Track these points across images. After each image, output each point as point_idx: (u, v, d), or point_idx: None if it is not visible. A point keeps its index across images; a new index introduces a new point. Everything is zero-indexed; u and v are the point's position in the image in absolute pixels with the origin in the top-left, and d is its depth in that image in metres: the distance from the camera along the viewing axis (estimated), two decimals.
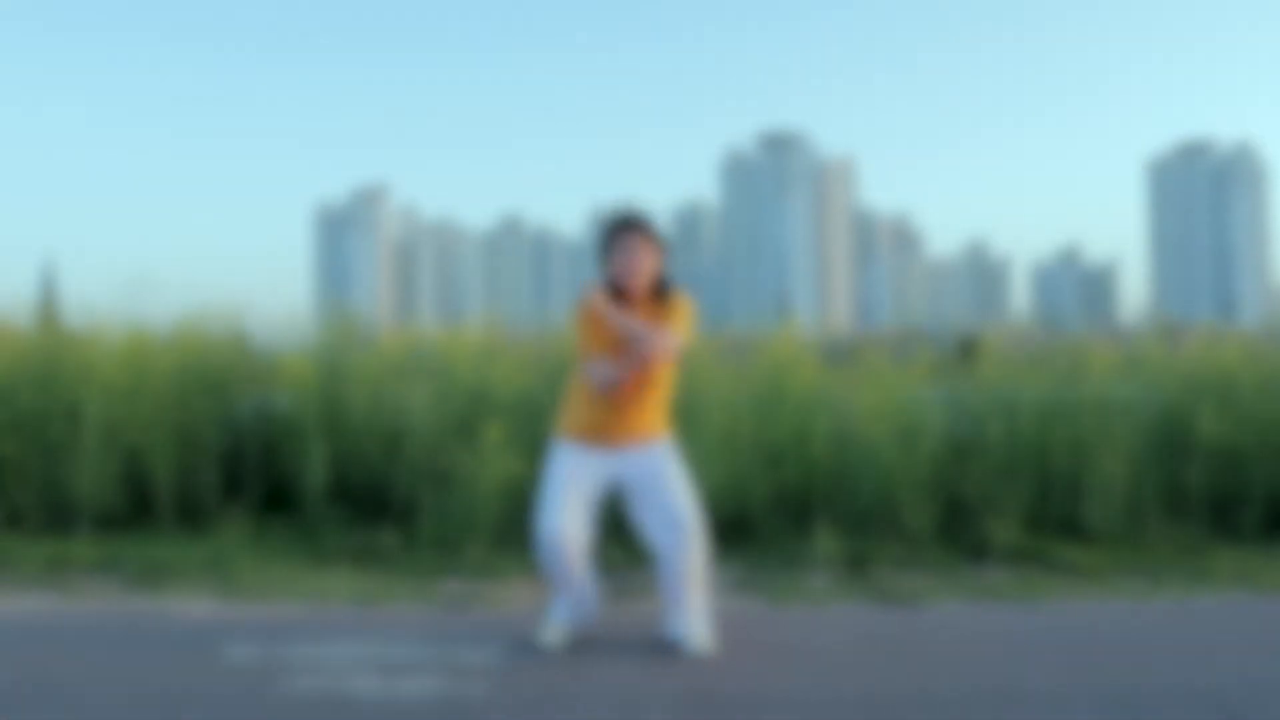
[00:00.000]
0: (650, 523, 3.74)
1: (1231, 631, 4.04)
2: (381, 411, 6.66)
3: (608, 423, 3.71)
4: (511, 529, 5.49)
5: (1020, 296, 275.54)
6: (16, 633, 4.09)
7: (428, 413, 6.55)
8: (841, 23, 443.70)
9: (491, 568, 5.21)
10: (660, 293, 3.74)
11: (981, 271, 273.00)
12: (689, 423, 6.23)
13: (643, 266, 3.65)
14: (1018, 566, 5.33)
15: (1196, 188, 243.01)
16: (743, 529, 5.85)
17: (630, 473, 3.75)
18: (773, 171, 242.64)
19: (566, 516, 3.63)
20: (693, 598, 3.78)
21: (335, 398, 6.63)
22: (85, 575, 5.10)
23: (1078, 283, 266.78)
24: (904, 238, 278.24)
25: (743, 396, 6.41)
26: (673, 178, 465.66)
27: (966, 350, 8.35)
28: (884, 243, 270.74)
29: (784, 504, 5.99)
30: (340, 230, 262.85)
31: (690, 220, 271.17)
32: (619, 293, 3.67)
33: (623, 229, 3.65)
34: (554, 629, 3.83)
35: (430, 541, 5.56)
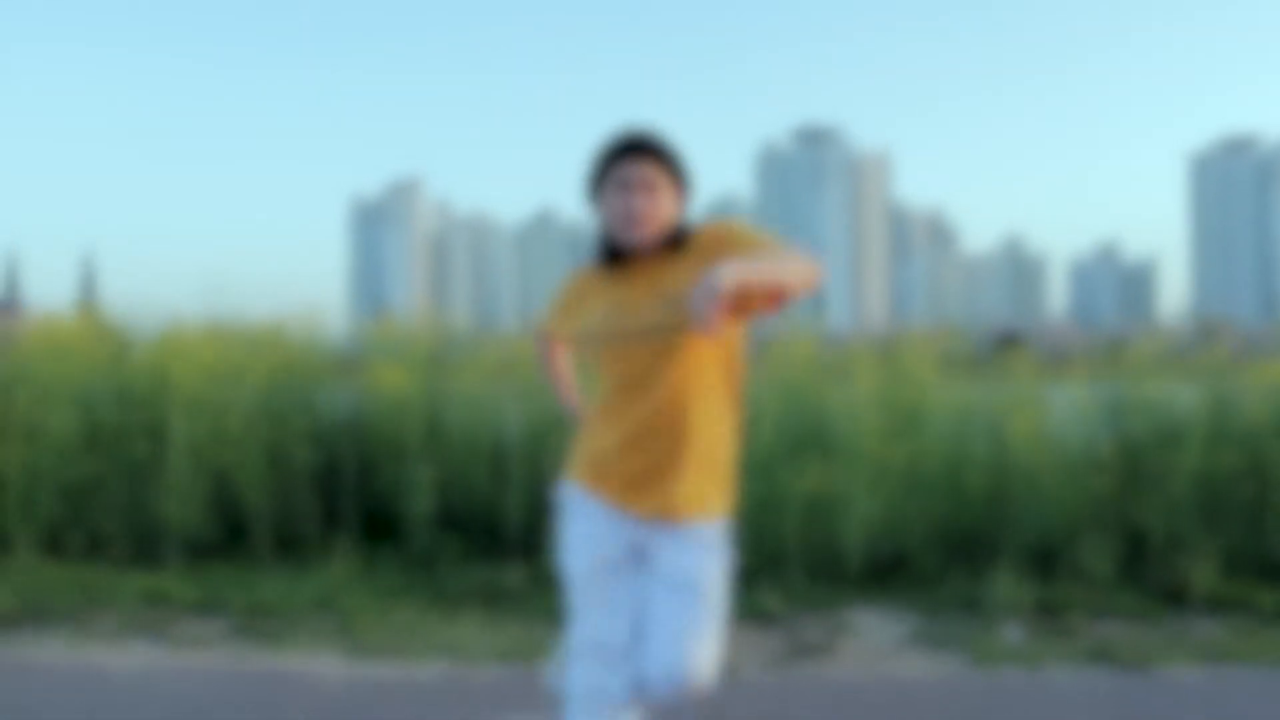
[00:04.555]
0: (647, 646, 2.21)
1: None
2: (483, 429, 6.14)
3: (631, 469, 2.25)
4: None
5: (1058, 293, 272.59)
6: (126, 694, 3.58)
7: (526, 430, 6.04)
8: (878, 16, 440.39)
9: None
10: (677, 243, 2.27)
11: (1018, 268, 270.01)
12: (826, 448, 5.67)
13: (653, 208, 2.23)
14: (1224, 616, 4.71)
15: (1239, 183, 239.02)
16: (898, 570, 5.28)
17: (654, 562, 2.26)
18: (807, 165, 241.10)
19: (599, 615, 2.22)
20: None
21: (438, 413, 6.12)
22: (186, 618, 4.60)
23: (1117, 280, 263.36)
24: (940, 233, 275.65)
25: (879, 416, 5.80)
26: (707, 172, 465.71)
27: (1004, 346, 7.81)
28: (919, 238, 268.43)
29: (941, 541, 5.40)
30: (375, 224, 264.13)
31: (724, 214, 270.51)
32: (616, 253, 2.30)
33: (625, 153, 2.25)
34: None
35: (558, 579, 5.01)
